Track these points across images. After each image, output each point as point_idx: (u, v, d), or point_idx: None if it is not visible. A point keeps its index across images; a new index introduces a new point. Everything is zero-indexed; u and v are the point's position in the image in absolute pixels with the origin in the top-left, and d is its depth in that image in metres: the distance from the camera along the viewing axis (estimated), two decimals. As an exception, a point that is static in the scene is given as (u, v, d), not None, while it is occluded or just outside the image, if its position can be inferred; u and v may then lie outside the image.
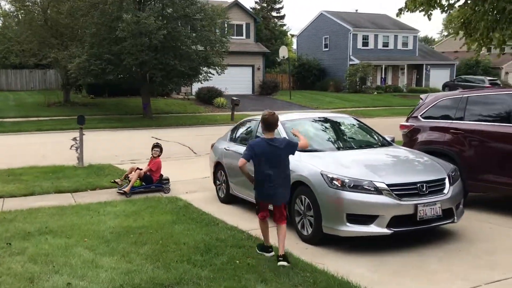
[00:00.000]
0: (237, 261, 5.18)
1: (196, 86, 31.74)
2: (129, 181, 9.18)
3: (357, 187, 5.68)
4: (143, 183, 9.25)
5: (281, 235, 5.28)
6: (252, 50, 38.08)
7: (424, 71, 45.60)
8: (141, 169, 9.35)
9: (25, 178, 10.43)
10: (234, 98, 24.39)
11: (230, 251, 5.49)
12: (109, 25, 20.79)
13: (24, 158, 13.52)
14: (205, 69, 23.90)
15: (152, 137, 18.20)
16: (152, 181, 9.35)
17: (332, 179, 5.77)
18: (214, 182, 8.95)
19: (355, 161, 6.28)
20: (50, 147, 15.63)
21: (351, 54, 42.41)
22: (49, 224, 6.72)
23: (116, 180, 9.52)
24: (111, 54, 20.80)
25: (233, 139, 8.65)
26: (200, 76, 23.90)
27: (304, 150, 5.87)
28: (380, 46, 43.89)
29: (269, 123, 5.22)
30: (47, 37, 25.30)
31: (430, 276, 5.03)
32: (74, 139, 12.32)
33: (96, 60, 20.86)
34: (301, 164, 6.23)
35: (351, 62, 42.05)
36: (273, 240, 5.49)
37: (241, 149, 7.23)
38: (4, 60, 30.05)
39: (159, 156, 9.60)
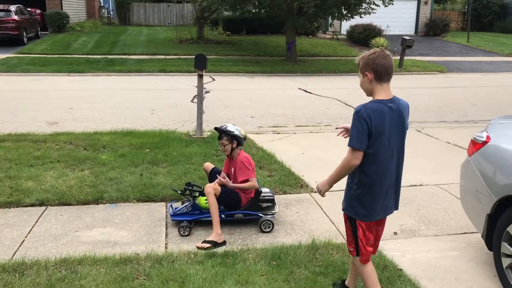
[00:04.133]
0: None
1: (346, 24, 25.99)
2: (192, 196, 4.53)
3: None
4: (221, 206, 4.38)
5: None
6: (420, -21, 30.69)
7: None
8: (217, 173, 4.66)
9: (104, 158, 6.31)
10: (406, 37, 18.34)
11: None
12: None
13: (126, 113, 9.64)
14: (367, -1, 18.07)
15: (300, 88, 13.36)
16: (238, 203, 4.43)
17: None
18: (494, 246, 3.57)
19: None
20: (166, 96, 11.64)
21: (551, -15, 32.56)
22: None
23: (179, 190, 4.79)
24: (251, -24, 16.02)
25: None
26: (361, 8, 18.13)
27: None
28: None
29: (385, 68, 2.76)
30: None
31: None
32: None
33: (233, -15, 16.28)
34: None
35: (550, -4, 32.33)
36: None
37: None
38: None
39: (235, 148, 4.48)
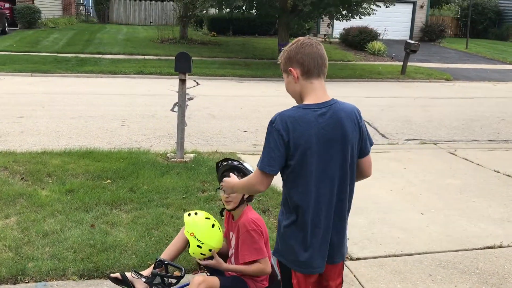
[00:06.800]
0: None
1: (339, 27, 24.54)
2: (166, 284, 2.71)
3: None
4: None
5: None
6: (415, -18, 29.41)
7: None
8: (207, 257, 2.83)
9: (45, 196, 4.47)
10: (411, 41, 16.76)
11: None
12: None
13: (90, 124, 7.81)
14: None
15: (298, 95, 11.64)
16: None
17: None
18: None
19: None
20: (142, 103, 9.81)
21: (548, -9, 31.60)
22: None
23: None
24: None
25: None
26: (361, 8, 16.58)
27: None
28: None
29: (312, 58, 2.11)
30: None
31: None
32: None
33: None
34: None
35: (547, 3, 31.36)
36: None
37: None
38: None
39: (244, 202, 2.73)
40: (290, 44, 2.20)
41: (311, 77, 2.13)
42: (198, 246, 2.68)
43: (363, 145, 2.20)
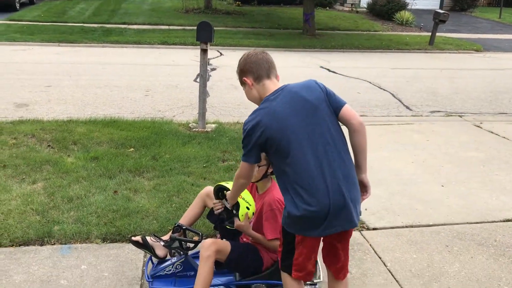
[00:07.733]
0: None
1: (367, -4, 24.02)
2: (184, 248, 2.78)
3: None
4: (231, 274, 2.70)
5: None
6: None
7: None
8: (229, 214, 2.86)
9: (70, 163, 4.61)
10: (440, 11, 16.26)
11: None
12: None
13: (115, 94, 7.93)
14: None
15: (321, 67, 11.52)
16: (258, 267, 2.73)
17: None
18: None
19: None
20: (166, 73, 9.88)
21: None
22: None
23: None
24: None
25: None
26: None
27: None
28: None
29: (258, 64, 2.40)
30: None
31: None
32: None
33: None
34: None
35: None
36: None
37: None
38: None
39: (269, 175, 2.82)
40: (239, 60, 2.47)
41: (262, 80, 2.39)
42: (247, 207, 2.75)
43: (333, 100, 2.34)
